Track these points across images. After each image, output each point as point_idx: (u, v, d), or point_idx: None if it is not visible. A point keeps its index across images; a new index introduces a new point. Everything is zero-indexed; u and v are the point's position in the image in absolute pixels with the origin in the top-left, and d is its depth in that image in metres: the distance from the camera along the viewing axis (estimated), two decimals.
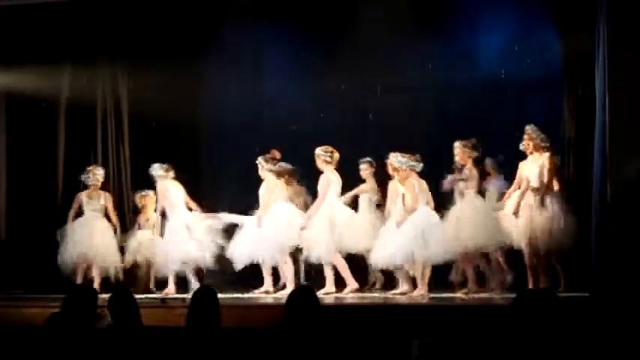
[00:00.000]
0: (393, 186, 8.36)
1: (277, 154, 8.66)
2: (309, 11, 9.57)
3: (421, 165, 8.12)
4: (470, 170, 7.90)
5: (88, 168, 9.14)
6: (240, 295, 8.14)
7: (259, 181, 8.88)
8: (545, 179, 7.65)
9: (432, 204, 8.10)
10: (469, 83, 9.60)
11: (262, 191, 8.59)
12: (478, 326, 5.52)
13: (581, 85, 8.04)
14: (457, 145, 7.96)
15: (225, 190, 9.82)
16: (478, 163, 8.04)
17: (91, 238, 8.83)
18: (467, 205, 7.90)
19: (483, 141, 8.01)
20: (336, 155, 8.44)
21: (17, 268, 9.06)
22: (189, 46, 9.86)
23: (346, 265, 8.28)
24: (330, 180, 8.38)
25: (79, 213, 9.01)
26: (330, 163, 8.41)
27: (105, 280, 8.83)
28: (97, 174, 9.08)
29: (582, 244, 7.29)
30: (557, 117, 8.60)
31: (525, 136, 7.75)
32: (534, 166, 7.74)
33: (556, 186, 7.83)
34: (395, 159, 8.19)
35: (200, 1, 9.67)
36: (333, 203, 8.39)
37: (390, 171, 8.32)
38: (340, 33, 9.73)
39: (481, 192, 8.16)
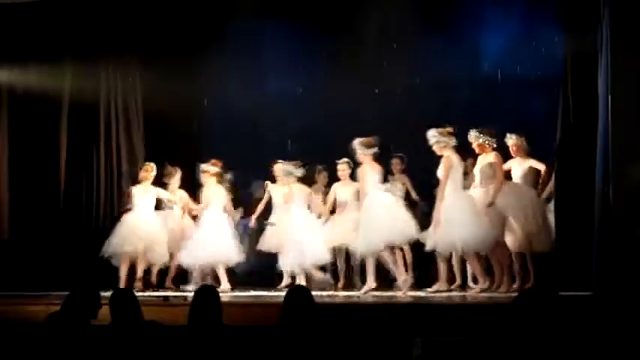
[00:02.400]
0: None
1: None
2: (312, 10, 9.59)
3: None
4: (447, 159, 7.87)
5: (143, 165, 9.23)
6: (239, 293, 8.22)
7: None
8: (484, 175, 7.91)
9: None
10: (471, 83, 9.61)
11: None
12: (481, 324, 5.52)
13: (584, 86, 8.02)
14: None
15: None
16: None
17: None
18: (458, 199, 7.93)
19: None
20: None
21: (20, 266, 9.05)
22: (192, 44, 9.89)
23: None
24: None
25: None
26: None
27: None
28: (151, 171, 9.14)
29: (584, 244, 7.29)
30: (558, 118, 8.59)
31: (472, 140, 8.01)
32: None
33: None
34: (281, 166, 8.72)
35: None
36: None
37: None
38: (342, 32, 9.74)
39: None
